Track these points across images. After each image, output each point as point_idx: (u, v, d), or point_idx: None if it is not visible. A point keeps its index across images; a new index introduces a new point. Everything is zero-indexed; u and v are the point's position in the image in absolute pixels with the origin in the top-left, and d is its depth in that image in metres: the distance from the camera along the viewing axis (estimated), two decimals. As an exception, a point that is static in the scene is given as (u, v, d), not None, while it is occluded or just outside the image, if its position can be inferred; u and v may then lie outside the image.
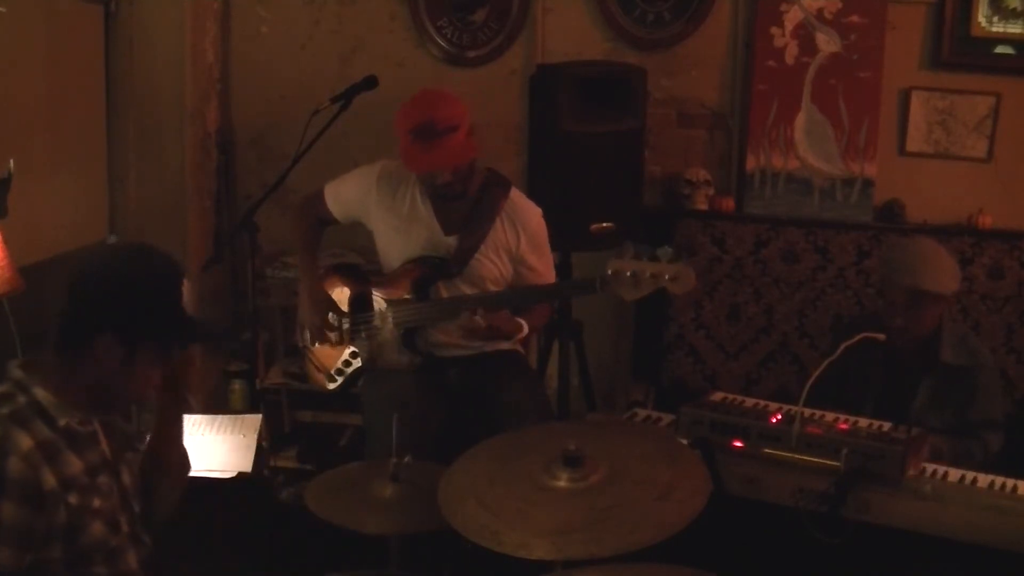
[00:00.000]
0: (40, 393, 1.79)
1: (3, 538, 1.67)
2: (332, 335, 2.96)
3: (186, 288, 1.85)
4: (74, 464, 1.79)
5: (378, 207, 2.95)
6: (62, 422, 1.79)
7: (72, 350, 1.82)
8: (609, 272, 2.44)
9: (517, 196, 3.00)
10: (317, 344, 3.02)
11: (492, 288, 2.92)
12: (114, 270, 1.84)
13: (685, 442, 2.47)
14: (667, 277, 2.36)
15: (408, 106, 2.83)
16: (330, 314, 2.97)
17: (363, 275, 3.06)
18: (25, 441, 1.71)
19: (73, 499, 1.76)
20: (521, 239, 2.94)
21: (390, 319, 2.92)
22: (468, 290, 2.89)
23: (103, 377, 1.82)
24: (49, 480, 1.72)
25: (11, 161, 2.93)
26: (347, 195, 3.03)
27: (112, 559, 1.85)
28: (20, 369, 1.83)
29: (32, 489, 1.69)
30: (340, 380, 3.05)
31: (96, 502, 1.82)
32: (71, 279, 1.83)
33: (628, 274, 2.41)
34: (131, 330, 1.80)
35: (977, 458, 2.78)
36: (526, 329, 2.90)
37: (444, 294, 2.90)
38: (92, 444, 1.87)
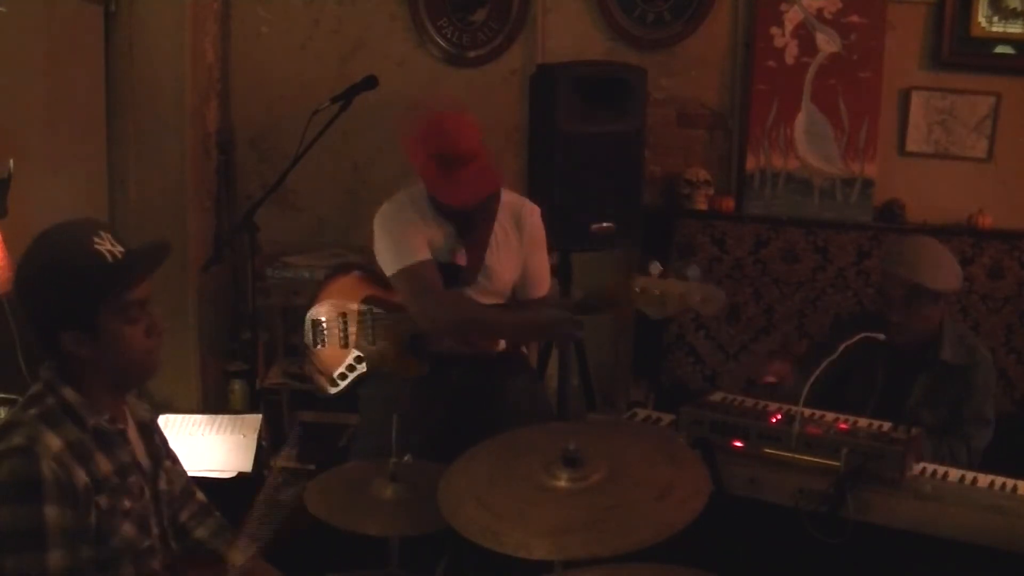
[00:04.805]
0: (69, 393, 1.80)
1: (54, 541, 1.67)
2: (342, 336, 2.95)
3: (105, 237, 1.80)
4: (104, 465, 1.79)
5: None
6: (91, 422, 1.80)
7: (54, 357, 1.82)
8: (637, 290, 2.36)
9: (508, 195, 2.93)
10: (319, 346, 3.01)
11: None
12: (30, 276, 1.82)
13: (685, 442, 2.48)
14: (698, 299, 2.30)
15: (430, 133, 2.72)
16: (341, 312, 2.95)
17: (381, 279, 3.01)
18: (55, 443, 1.72)
19: (103, 501, 1.76)
20: (523, 235, 2.91)
21: (402, 322, 2.90)
22: (489, 296, 2.87)
23: (97, 361, 1.81)
24: (81, 477, 1.73)
25: (11, 161, 2.92)
26: (411, 238, 2.80)
27: (140, 561, 1.85)
28: (50, 370, 1.83)
29: (67, 487, 1.70)
30: (342, 384, 3.01)
31: (126, 503, 1.82)
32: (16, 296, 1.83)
33: (656, 293, 2.33)
34: (76, 317, 1.78)
35: (959, 459, 2.76)
36: (501, 344, 2.90)
37: None
38: (122, 444, 1.87)
